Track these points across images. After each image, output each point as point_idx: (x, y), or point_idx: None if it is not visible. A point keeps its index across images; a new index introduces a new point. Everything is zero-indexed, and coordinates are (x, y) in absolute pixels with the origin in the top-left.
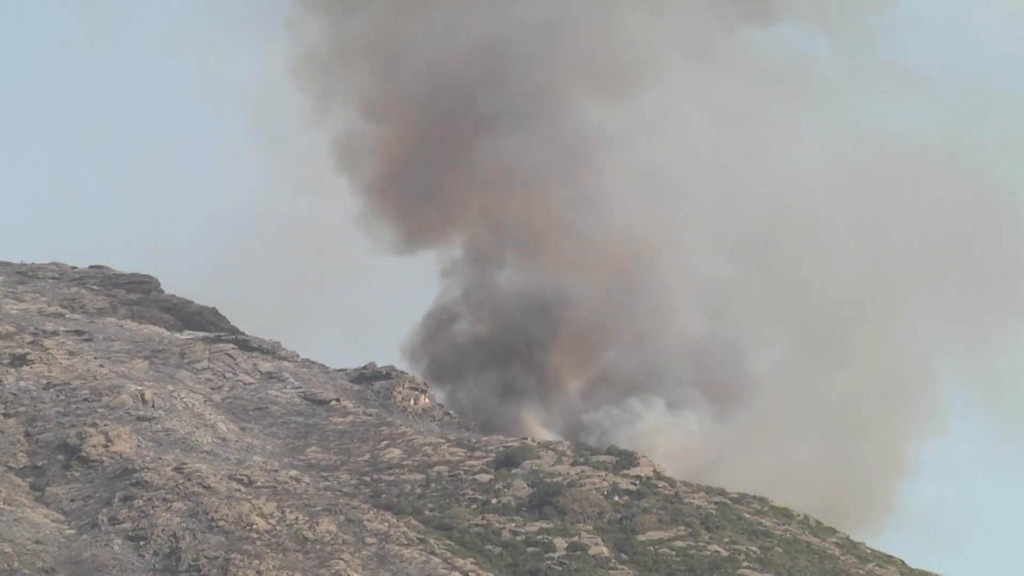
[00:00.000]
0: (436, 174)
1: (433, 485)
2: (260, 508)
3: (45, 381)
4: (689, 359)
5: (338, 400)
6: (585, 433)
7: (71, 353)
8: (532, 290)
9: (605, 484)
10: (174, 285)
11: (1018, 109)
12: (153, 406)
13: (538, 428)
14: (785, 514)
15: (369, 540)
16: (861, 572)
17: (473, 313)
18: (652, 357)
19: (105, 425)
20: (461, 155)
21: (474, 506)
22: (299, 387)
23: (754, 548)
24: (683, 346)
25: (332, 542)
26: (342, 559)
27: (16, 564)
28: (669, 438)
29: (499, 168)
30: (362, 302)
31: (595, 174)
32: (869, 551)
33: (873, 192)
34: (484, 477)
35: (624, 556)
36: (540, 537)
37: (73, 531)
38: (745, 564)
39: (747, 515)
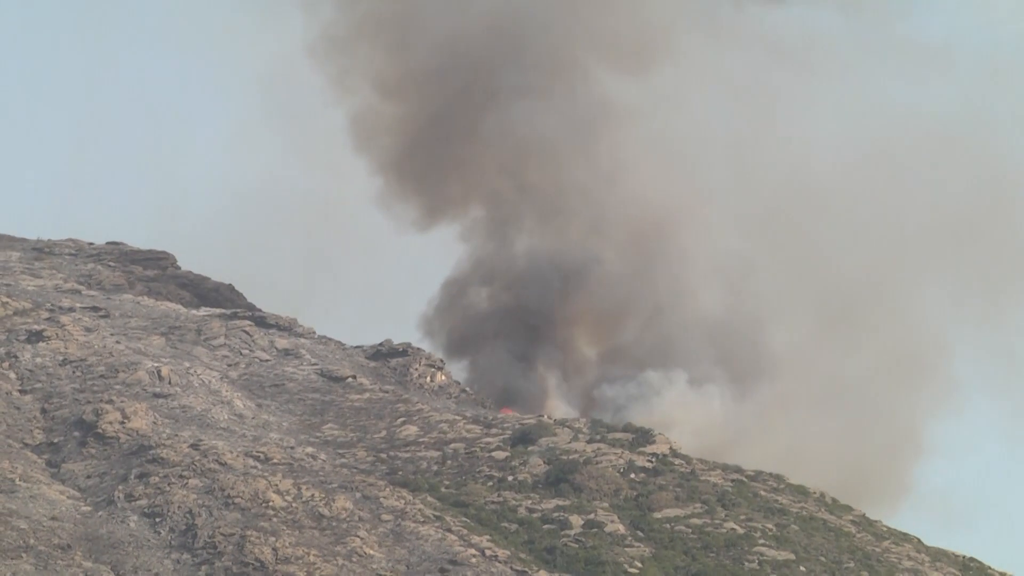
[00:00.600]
0: (454, 147)
1: (449, 462)
2: (276, 485)
3: (61, 357)
4: (707, 335)
5: (354, 377)
6: (603, 408)
7: (87, 329)
8: (550, 258)
9: (621, 461)
10: (190, 261)
11: None
12: (170, 383)
13: (556, 402)
14: (801, 491)
15: (385, 517)
16: (877, 549)
17: (491, 281)
18: (670, 331)
19: (121, 402)
20: (478, 127)
21: (490, 483)
22: (315, 364)
23: (770, 525)
24: (701, 321)
25: (348, 519)
26: (358, 536)
27: (32, 540)
28: (688, 414)
29: (516, 137)
30: (379, 279)
31: (611, 146)
32: (885, 529)
33: (889, 169)
34: (500, 454)
35: (640, 533)
36: (556, 514)
37: (89, 508)
38: (761, 541)
39: (763, 492)
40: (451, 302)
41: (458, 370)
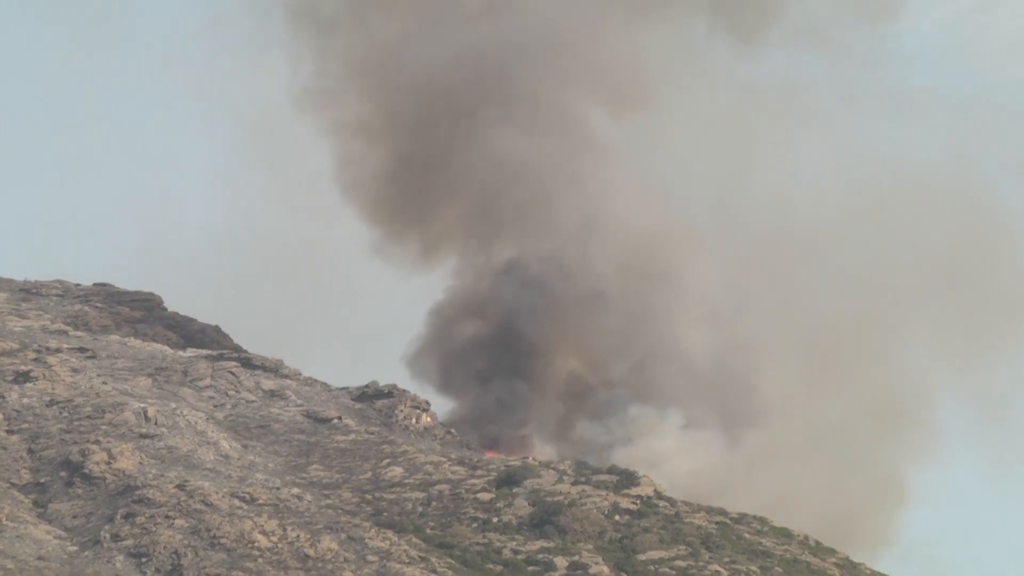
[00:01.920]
0: (437, 183)
1: (434, 503)
2: (262, 525)
3: (48, 398)
4: (692, 376)
5: (340, 418)
6: (590, 447)
7: (74, 370)
8: (535, 289)
9: (606, 503)
10: (177, 303)
11: (1017, 134)
12: (156, 423)
13: (542, 442)
14: (785, 534)
15: (370, 558)
16: None
17: (474, 314)
18: (657, 370)
19: (108, 442)
20: (461, 162)
21: (475, 524)
22: (301, 405)
23: (754, 568)
24: (687, 361)
25: (333, 560)
26: None
27: None
28: (675, 456)
29: (500, 168)
30: (364, 321)
31: (595, 181)
32: (868, 572)
33: (872, 215)
34: (485, 496)
35: (625, 575)
36: (541, 556)
37: (75, 548)
38: None
39: (747, 535)
40: (436, 335)
41: (443, 406)
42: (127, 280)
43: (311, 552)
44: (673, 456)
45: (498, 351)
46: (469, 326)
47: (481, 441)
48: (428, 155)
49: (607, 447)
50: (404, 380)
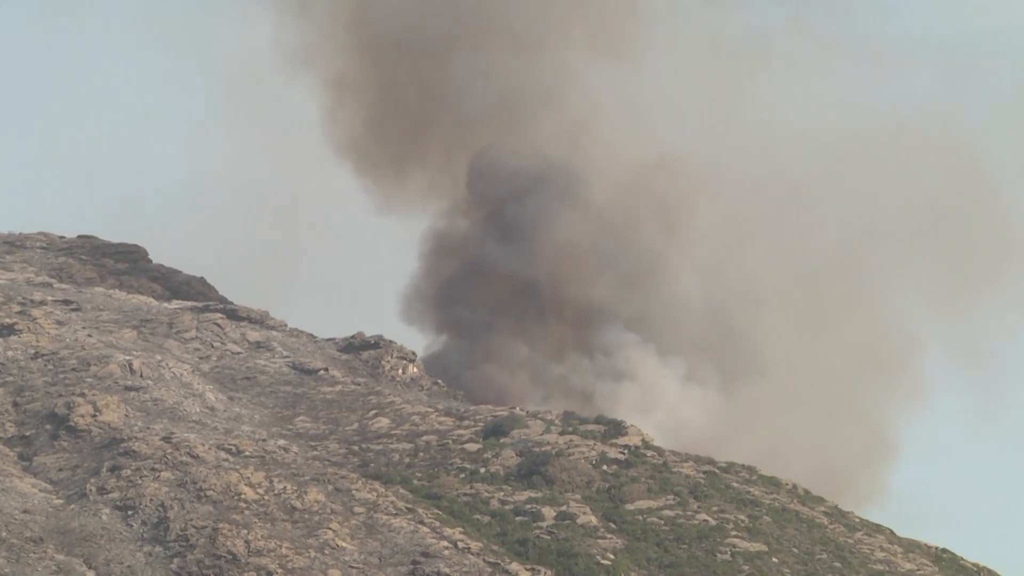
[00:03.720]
0: (421, 116)
1: (421, 454)
2: (248, 478)
3: (33, 351)
4: (684, 318)
5: (326, 369)
6: (582, 381)
7: (59, 323)
8: (528, 220)
9: (594, 453)
10: (161, 255)
11: (1003, 83)
12: (141, 376)
13: (531, 384)
14: (773, 483)
15: (357, 509)
16: (850, 541)
17: (462, 251)
18: (649, 307)
19: (93, 395)
20: (444, 94)
21: (462, 475)
22: (287, 356)
23: (742, 517)
24: (680, 303)
25: (320, 511)
26: (330, 528)
27: (4, 534)
28: (662, 407)
29: (484, 100)
30: (350, 272)
31: (580, 112)
32: (857, 520)
33: (859, 165)
34: (472, 446)
35: (612, 525)
36: (528, 506)
37: (61, 501)
38: (734, 533)
39: (735, 484)
40: (427, 272)
41: (432, 356)
42: (111, 232)
43: (298, 504)
44: (663, 404)
45: (482, 292)
46: (454, 266)
47: (472, 384)
48: (410, 100)
49: (599, 380)
50: (391, 330)
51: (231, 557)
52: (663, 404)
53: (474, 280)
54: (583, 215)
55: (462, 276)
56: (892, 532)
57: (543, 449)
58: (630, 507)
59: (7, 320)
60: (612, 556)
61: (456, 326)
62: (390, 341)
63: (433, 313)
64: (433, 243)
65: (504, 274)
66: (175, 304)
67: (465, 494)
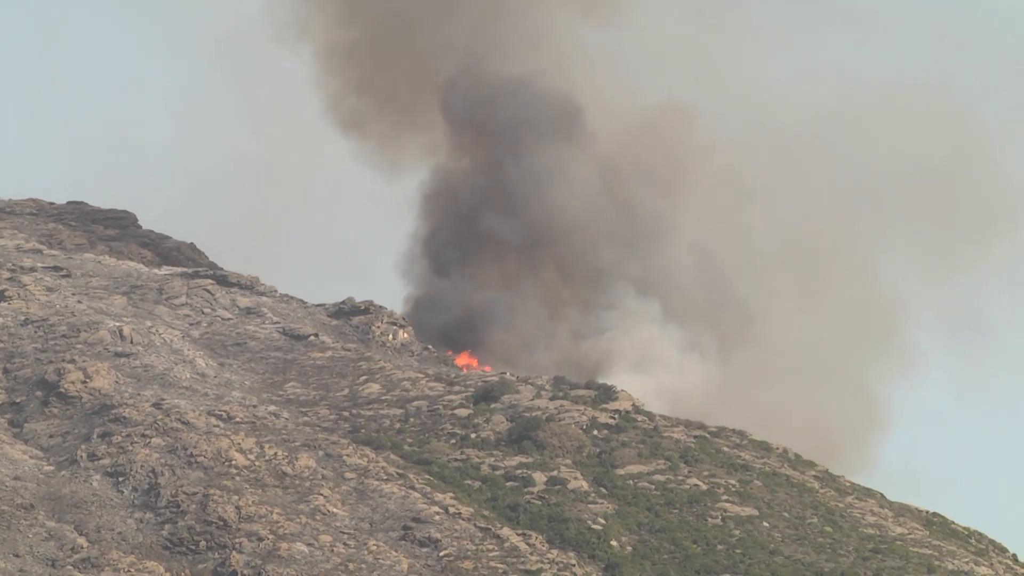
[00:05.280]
0: (412, 69)
1: (412, 420)
2: (239, 444)
3: (23, 317)
4: (680, 278)
5: (316, 335)
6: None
7: (49, 289)
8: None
9: (584, 418)
10: (151, 220)
11: (995, 48)
12: (131, 342)
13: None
14: (764, 448)
15: (348, 475)
16: (840, 505)
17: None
18: (649, 268)
19: (83, 361)
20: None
21: (453, 441)
22: (277, 322)
23: (733, 481)
24: (676, 265)
25: (311, 477)
26: (321, 494)
27: None
28: (655, 370)
29: (475, 52)
30: (340, 237)
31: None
32: (848, 484)
33: (850, 127)
34: (463, 412)
35: (603, 490)
36: (519, 471)
37: (52, 467)
38: (724, 497)
39: (726, 449)
40: (422, 225)
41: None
42: (101, 198)
43: (289, 470)
44: (659, 371)
45: (476, 250)
46: (449, 222)
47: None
48: (400, 61)
49: (597, 334)
50: (381, 296)
51: (222, 523)
52: (659, 370)
53: (469, 240)
54: (575, 176)
55: (454, 231)
56: (883, 496)
57: (533, 414)
58: (621, 472)
59: None
60: (603, 521)
61: (448, 275)
62: (380, 307)
63: (426, 263)
64: (429, 199)
65: (500, 239)
66: (165, 270)
67: (456, 459)
